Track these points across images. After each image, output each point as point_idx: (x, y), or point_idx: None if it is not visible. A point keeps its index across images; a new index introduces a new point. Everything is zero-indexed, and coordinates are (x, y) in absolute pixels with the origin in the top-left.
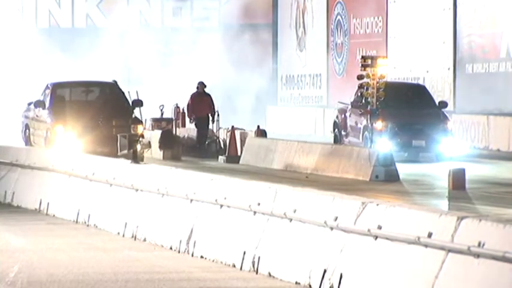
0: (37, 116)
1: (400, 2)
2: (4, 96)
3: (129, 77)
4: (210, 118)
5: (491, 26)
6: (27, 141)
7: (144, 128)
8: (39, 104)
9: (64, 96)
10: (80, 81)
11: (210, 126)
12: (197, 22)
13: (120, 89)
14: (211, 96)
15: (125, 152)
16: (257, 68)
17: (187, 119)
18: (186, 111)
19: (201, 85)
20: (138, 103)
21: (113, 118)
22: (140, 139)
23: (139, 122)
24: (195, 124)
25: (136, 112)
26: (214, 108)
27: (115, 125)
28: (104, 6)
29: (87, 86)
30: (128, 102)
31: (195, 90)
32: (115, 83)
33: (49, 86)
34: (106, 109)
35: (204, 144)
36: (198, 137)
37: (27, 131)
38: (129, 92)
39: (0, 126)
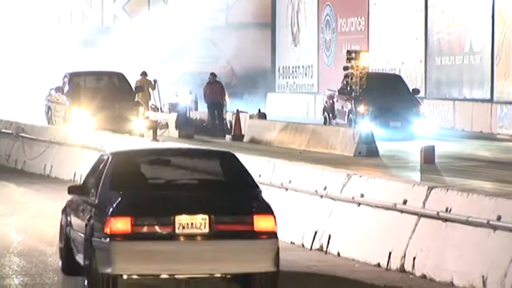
0: (57, 99)
1: (380, 4)
2: (32, 83)
3: (151, 68)
4: (223, 102)
5: (457, 25)
6: (50, 120)
7: (162, 111)
8: (59, 89)
9: (79, 83)
10: (92, 71)
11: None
12: (207, 22)
13: (125, 78)
14: (222, 83)
15: (147, 131)
16: (258, 60)
17: (199, 103)
18: (203, 98)
19: (213, 75)
20: (139, 89)
21: (117, 101)
22: (159, 121)
23: (140, 104)
24: (209, 108)
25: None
26: (225, 93)
27: (118, 106)
28: (128, 7)
29: (98, 75)
30: (131, 88)
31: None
32: (145, 73)
33: (67, 75)
34: (112, 94)
35: (215, 125)
36: (211, 119)
37: (49, 111)
38: (151, 80)
39: (29, 108)
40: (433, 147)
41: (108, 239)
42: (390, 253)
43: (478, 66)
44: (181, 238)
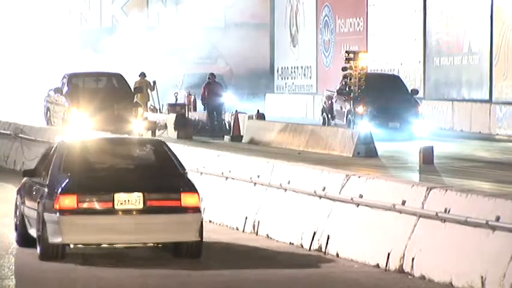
0: (56, 100)
1: (378, 5)
2: (31, 84)
3: (149, 69)
4: (222, 103)
5: (456, 26)
6: (48, 121)
7: (161, 112)
8: (57, 90)
9: (78, 84)
10: (91, 72)
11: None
12: (206, 22)
13: (124, 79)
14: (222, 84)
15: (146, 131)
16: (257, 61)
17: (198, 104)
18: (201, 99)
19: (212, 76)
20: (138, 90)
21: (116, 102)
22: (157, 121)
23: (140, 105)
24: (207, 109)
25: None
26: (224, 92)
27: (117, 107)
28: (126, 8)
29: (97, 76)
30: (130, 89)
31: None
32: (146, 75)
33: (66, 76)
34: (111, 95)
35: (214, 126)
36: (210, 120)
37: (48, 112)
38: (150, 81)
39: (27, 109)
40: (432, 147)
41: (57, 214)
42: (389, 254)
43: (476, 66)
44: (120, 213)
